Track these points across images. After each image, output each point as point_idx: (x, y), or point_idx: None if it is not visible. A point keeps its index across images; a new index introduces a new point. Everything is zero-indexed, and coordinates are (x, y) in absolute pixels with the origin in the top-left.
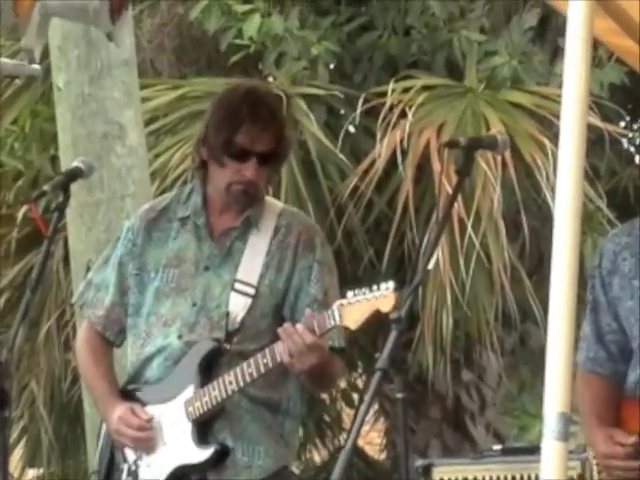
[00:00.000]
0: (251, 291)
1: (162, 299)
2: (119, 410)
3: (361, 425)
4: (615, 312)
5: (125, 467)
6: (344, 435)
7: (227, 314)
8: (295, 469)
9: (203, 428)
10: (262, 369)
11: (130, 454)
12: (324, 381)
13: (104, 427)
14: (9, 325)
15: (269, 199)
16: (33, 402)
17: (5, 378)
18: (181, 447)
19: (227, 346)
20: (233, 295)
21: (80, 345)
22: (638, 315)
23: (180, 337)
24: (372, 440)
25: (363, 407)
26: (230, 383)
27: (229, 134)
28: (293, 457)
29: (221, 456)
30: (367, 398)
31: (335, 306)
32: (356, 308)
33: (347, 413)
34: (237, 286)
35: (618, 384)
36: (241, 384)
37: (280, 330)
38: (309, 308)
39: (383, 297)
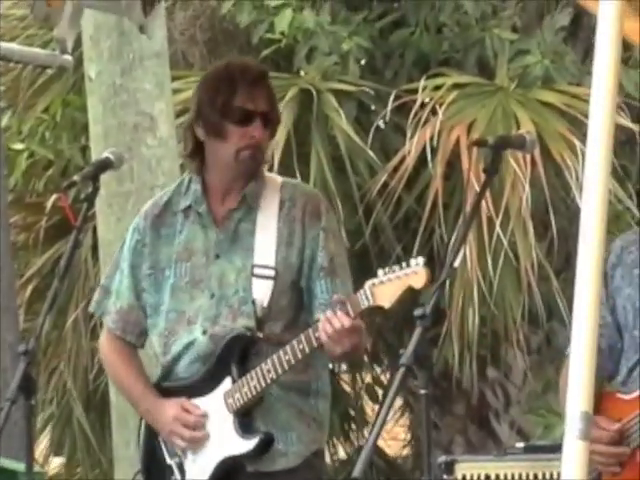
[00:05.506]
0: (271, 273)
1: (179, 295)
2: (171, 409)
3: (384, 422)
4: (613, 305)
5: (173, 463)
6: (368, 429)
7: (253, 302)
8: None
9: (245, 418)
10: (299, 355)
11: (175, 450)
12: (356, 354)
13: (143, 425)
14: (36, 313)
15: (268, 174)
16: (60, 390)
17: (32, 365)
18: (225, 439)
19: (260, 334)
20: (255, 281)
21: (105, 352)
22: (634, 302)
23: (205, 332)
24: (397, 435)
25: (386, 403)
26: (268, 372)
27: (226, 98)
28: (325, 437)
29: (266, 444)
30: (390, 394)
31: (367, 286)
32: (388, 287)
33: (371, 407)
34: (257, 271)
35: (600, 378)
36: (279, 372)
37: (321, 317)
38: (317, 277)
39: (414, 274)
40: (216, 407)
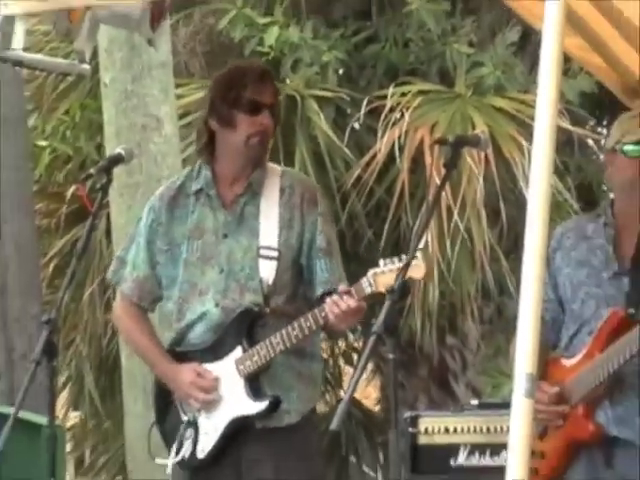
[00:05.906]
0: (275, 254)
1: (191, 268)
2: (187, 375)
3: (357, 381)
4: (555, 283)
5: (185, 419)
6: (343, 391)
7: (260, 280)
8: None
9: (254, 382)
10: (307, 331)
11: (190, 407)
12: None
13: (155, 383)
14: (57, 287)
15: (270, 164)
16: (77, 354)
17: (54, 333)
18: (237, 400)
19: (267, 310)
20: (261, 262)
21: (120, 316)
22: (572, 280)
23: (217, 305)
24: (369, 394)
25: (360, 365)
26: (277, 344)
27: (238, 91)
28: (319, 395)
29: (275, 406)
30: (363, 358)
31: (370, 274)
32: (389, 276)
33: (346, 372)
34: (262, 252)
35: (546, 347)
36: (287, 344)
37: (328, 300)
38: (316, 257)
39: (415, 266)
40: (228, 372)
